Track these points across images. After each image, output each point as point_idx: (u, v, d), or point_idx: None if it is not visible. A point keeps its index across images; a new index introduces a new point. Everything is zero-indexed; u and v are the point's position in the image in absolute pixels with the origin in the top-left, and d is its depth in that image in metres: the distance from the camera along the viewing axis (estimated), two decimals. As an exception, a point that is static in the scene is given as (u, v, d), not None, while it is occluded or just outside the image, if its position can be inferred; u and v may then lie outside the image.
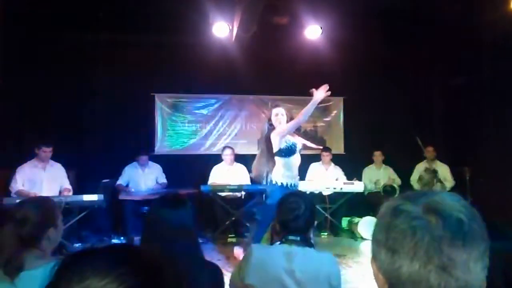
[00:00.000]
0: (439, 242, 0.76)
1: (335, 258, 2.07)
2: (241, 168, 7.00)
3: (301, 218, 2.02)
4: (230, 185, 6.53)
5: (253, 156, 7.23)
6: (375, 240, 0.83)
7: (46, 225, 1.81)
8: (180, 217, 1.81)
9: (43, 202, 1.91)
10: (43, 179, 5.72)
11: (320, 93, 4.09)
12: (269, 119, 4.55)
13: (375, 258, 0.83)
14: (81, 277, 0.71)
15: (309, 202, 2.10)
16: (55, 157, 5.86)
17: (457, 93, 7.61)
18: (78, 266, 0.73)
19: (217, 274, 1.88)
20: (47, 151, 5.66)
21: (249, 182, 6.86)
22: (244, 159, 7.23)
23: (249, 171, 7.00)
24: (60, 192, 5.75)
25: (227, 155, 6.88)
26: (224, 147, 7.04)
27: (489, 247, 0.80)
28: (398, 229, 0.79)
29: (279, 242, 2.07)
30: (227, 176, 6.85)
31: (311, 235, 2.12)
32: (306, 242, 2.02)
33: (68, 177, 6.04)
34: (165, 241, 1.75)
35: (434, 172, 6.95)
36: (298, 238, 2.01)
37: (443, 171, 7.16)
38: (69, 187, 5.90)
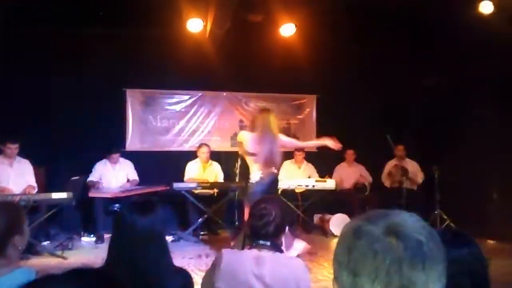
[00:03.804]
0: (400, 264, 0.77)
1: (304, 263, 2.10)
2: (215, 166, 6.98)
3: (271, 225, 2.03)
4: (202, 182, 6.50)
5: (226, 153, 7.32)
6: (337, 261, 0.84)
7: (11, 233, 1.74)
8: (149, 223, 1.79)
9: (7, 209, 1.83)
10: (10, 175, 5.58)
11: (330, 142, 4.76)
12: None
13: (336, 279, 0.84)
14: None
15: (280, 208, 2.11)
16: (25, 154, 5.72)
17: (429, 93, 7.74)
18: None
19: (187, 280, 1.88)
20: (12, 147, 5.51)
21: (222, 180, 6.86)
22: (218, 156, 7.22)
23: (223, 169, 7.02)
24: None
25: (204, 152, 6.80)
26: (201, 144, 6.93)
27: (454, 259, 0.82)
28: (360, 251, 0.80)
29: (249, 247, 2.09)
30: (201, 173, 6.82)
31: (283, 241, 2.14)
32: (276, 248, 2.04)
33: (38, 174, 5.90)
34: (134, 248, 1.73)
35: (404, 170, 7.08)
36: (268, 243, 2.03)
37: (412, 167, 7.30)
38: (34, 184, 5.74)
